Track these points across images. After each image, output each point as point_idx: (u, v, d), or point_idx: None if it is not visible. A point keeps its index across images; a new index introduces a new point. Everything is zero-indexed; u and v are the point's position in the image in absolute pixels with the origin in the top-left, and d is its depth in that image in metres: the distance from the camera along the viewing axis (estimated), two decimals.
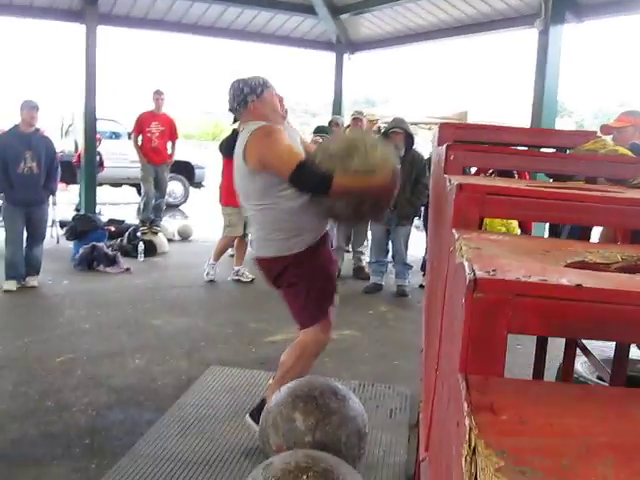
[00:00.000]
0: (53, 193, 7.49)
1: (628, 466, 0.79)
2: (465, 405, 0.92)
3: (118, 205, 14.39)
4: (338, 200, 3.33)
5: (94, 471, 3.38)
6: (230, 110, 3.65)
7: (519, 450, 0.81)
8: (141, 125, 9.99)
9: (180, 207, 15.30)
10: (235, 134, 8.24)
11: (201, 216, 13.31)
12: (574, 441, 0.85)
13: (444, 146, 2.42)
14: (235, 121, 3.82)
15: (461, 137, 2.85)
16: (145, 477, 3.29)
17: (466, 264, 1.14)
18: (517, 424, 0.88)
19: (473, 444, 0.82)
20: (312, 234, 3.51)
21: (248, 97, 3.51)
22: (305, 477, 2.23)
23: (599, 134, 3.09)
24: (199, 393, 4.41)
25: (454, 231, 1.58)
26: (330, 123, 8.97)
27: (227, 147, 7.97)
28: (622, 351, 2.29)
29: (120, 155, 13.76)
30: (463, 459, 0.82)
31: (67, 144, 14.42)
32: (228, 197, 7.15)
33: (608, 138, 3.42)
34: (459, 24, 10.80)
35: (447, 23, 11.01)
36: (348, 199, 3.32)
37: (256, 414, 3.52)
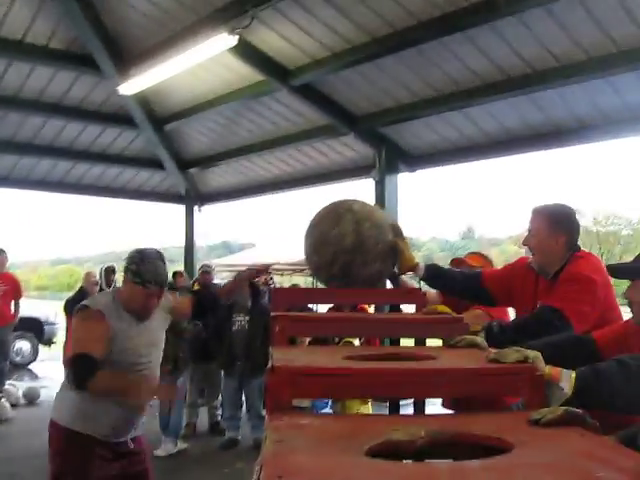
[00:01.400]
0: None
1: None
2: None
3: None
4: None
5: None
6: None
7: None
8: None
9: (29, 366, 14.51)
10: (82, 292, 8.13)
11: (52, 375, 12.66)
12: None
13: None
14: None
15: (295, 302, 2.96)
16: None
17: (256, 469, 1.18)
18: None
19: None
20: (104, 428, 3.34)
21: (128, 273, 3.37)
22: None
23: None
24: None
25: (266, 417, 1.62)
26: (174, 275, 8.93)
27: (72, 306, 7.80)
28: None
29: None
30: None
31: None
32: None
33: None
34: (303, 175, 11.37)
35: (291, 175, 11.58)
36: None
37: None
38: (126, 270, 3.40)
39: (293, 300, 2.91)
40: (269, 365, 1.81)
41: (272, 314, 2.56)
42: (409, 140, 9.44)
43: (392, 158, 9.55)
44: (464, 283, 3.10)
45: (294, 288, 3.04)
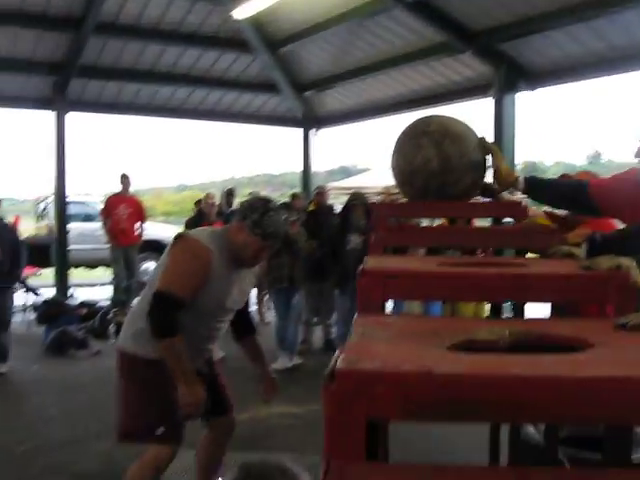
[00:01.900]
0: (17, 279, 7.51)
1: None
2: None
3: (94, 287, 14.39)
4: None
5: None
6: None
7: None
8: (109, 208, 10.18)
9: None
10: (200, 214, 8.48)
11: None
12: None
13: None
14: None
15: (394, 215, 2.98)
16: None
17: (336, 353, 1.24)
18: None
19: None
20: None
21: (247, 220, 3.20)
22: None
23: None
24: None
25: (355, 316, 1.68)
26: (293, 197, 9.18)
27: (191, 227, 8.17)
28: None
29: (93, 237, 13.86)
30: None
31: (42, 228, 14.54)
32: None
33: None
34: (418, 96, 11.15)
35: (406, 96, 11.37)
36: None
37: None
38: (245, 217, 3.22)
39: (392, 214, 2.92)
40: (360, 268, 1.86)
41: (370, 225, 2.60)
42: (529, 56, 9.05)
43: (511, 76, 9.22)
44: (568, 193, 3.00)
45: (393, 203, 3.04)
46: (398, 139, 3.02)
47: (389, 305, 7.69)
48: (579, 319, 1.74)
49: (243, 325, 3.60)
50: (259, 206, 3.23)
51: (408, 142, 2.94)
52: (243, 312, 3.57)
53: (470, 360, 1.27)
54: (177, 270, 3.12)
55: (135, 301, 10.27)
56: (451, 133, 2.89)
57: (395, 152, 2.99)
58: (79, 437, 5.23)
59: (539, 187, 2.97)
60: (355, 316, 1.65)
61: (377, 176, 14.58)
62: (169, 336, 3.04)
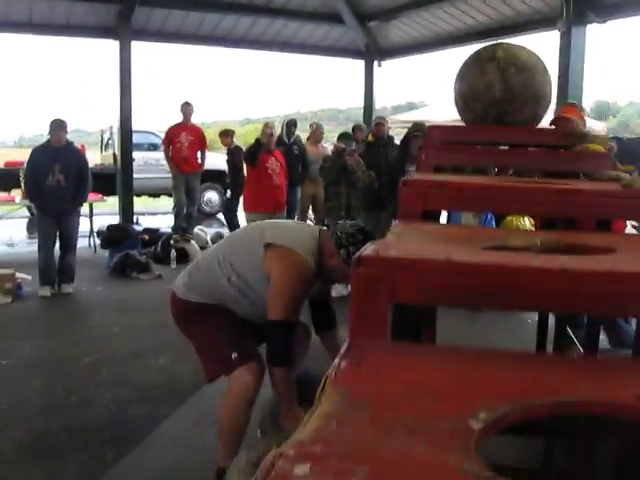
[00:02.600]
0: (82, 204, 7.74)
1: (447, 404, 0.95)
2: (336, 360, 1.09)
3: (156, 215, 14.74)
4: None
5: (110, 460, 3.60)
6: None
7: (359, 392, 0.97)
8: (171, 136, 10.34)
9: (217, 215, 15.58)
10: (258, 143, 8.55)
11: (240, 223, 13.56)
12: (414, 386, 1.01)
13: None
14: None
15: (449, 138, 3.00)
16: (157, 462, 3.50)
17: (366, 245, 1.31)
18: (371, 374, 1.05)
19: (323, 387, 0.99)
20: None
21: (343, 250, 3.13)
22: None
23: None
24: (216, 386, 4.60)
25: (393, 222, 1.74)
26: (354, 129, 9.19)
27: (250, 157, 8.31)
28: None
29: (157, 166, 14.13)
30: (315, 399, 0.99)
31: (107, 157, 14.86)
32: (251, 204, 7.42)
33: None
34: (484, 28, 10.88)
35: (472, 27, 11.11)
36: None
37: None
38: (342, 246, 3.14)
39: (446, 136, 2.94)
40: (402, 178, 1.92)
41: (421, 144, 2.63)
42: None
43: (581, 6, 8.88)
44: None
45: (448, 125, 3.05)
46: (464, 63, 3.01)
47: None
48: (607, 233, 1.78)
49: (323, 318, 3.56)
50: (359, 240, 3.10)
51: (473, 67, 2.94)
52: (325, 303, 3.56)
53: (490, 255, 1.33)
54: (290, 294, 3.04)
55: (196, 229, 10.60)
56: (519, 62, 2.87)
57: (459, 77, 2.99)
58: (140, 352, 5.48)
59: None
60: (393, 223, 1.71)
61: (438, 111, 14.39)
62: (285, 365, 3.05)
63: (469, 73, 2.98)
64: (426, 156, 2.48)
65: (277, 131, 9.24)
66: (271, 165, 8.50)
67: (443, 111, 12.65)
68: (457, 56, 11.79)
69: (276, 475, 0.70)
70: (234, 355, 3.14)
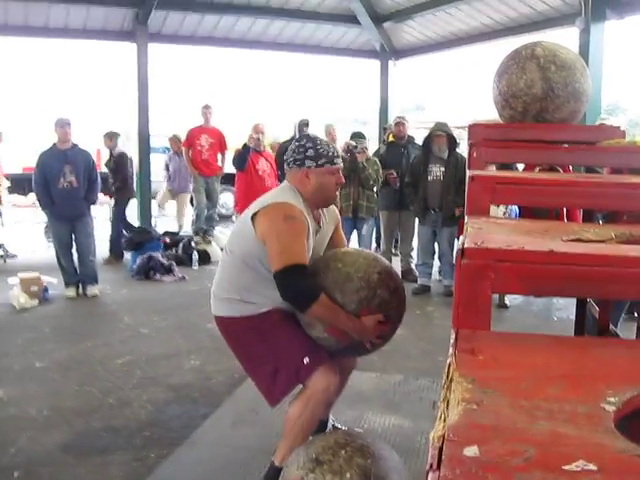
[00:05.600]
0: (93, 204, 7.73)
1: (574, 389, 0.97)
2: (451, 350, 1.11)
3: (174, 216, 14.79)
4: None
5: (153, 460, 3.62)
6: (284, 162, 3.32)
7: (486, 378, 0.99)
8: (191, 138, 10.36)
9: (232, 217, 15.62)
10: (245, 149, 8.62)
11: None
12: (536, 373, 1.03)
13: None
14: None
15: (490, 136, 3.01)
16: (201, 463, 3.53)
17: (461, 238, 1.33)
18: (490, 362, 1.06)
19: (450, 375, 1.01)
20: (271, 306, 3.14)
21: (307, 161, 3.13)
22: (343, 452, 2.42)
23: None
24: (252, 387, 4.63)
25: (466, 217, 1.76)
26: (384, 129, 9.26)
27: (238, 161, 8.45)
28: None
29: None
30: (443, 387, 1.01)
31: None
32: (244, 206, 7.48)
33: None
34: (501, 27, 10.87)
35: (489, 26, 11.10)
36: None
37: None
38: (300, 160, 3.14)
39: (489, 133, 2.96)
40: (469, 175, 1.93)
41: (470, 142, 2.65)
42: None
43: (599, 3, 8.86)
44: None
45: (491, 123, 3.07)
46: (503, 61, 3.03)
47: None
48: None
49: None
50: (304, 143, 3.17)
51: (513, 65, 2.95)
52: None
53: (587, 246, 1.35)
54: (282, 240, 2.95)
55: (217, 231, 10.62)
56: (558, 60, 2.88)
57: (498, 74, 3.01)
58: (171, 353, 5.52)
59: None
60: (466, 218, 1.73)
61: (443, 113, 14.40)
62: (313, 301, 2.89)
63: (508, 71, 3.00)
64: (478, 154, 2.49)
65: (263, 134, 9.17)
66: (261, 166, 8.66)
67: (451, 113, 12.68)
68: (457, 58, 11.78)
69: (451, 457, 0.72)
70: (306, 360, 3.00)
